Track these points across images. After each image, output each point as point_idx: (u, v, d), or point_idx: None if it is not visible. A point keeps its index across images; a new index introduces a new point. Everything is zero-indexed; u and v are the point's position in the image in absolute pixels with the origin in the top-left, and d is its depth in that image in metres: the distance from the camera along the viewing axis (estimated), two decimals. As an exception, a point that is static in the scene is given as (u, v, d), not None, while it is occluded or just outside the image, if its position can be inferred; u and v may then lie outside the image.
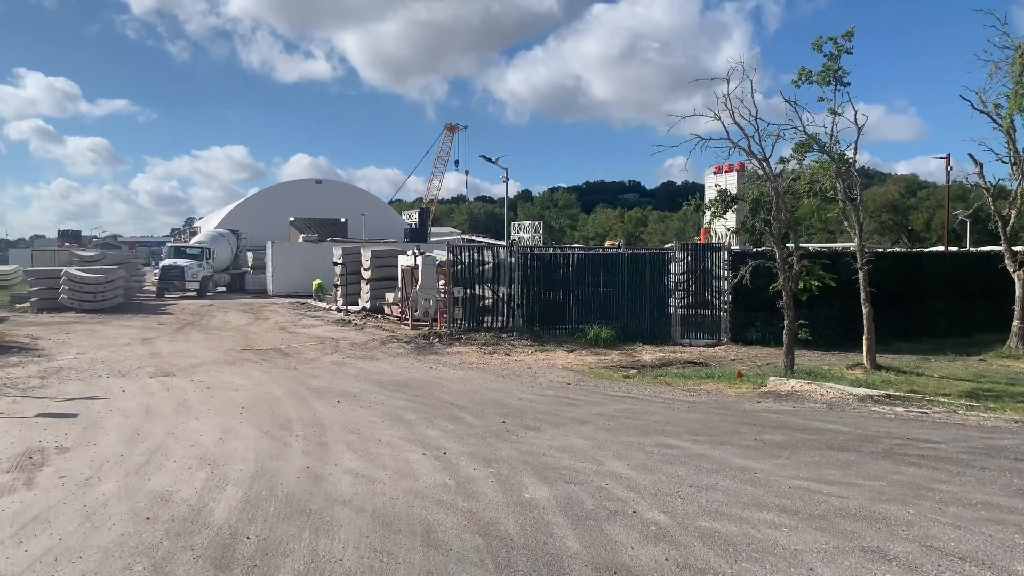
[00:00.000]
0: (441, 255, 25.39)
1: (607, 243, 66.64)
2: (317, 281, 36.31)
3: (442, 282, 24.70)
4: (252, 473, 8.59)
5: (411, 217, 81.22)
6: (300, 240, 54.64)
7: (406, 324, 26.05)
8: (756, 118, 16.86)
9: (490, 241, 54.98)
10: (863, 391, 13.53)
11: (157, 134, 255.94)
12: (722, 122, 16.91)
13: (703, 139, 17.15)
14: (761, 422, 11.25)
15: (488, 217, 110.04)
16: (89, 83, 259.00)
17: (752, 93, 16.80)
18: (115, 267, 32.78)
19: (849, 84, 18.16)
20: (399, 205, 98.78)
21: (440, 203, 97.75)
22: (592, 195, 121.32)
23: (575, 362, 19.00)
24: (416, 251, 25.99)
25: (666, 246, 24.18)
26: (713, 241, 31.32)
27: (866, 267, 18.10)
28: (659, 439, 10.12)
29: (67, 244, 45.53)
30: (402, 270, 27.19)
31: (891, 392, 13.81)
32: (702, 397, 13.58)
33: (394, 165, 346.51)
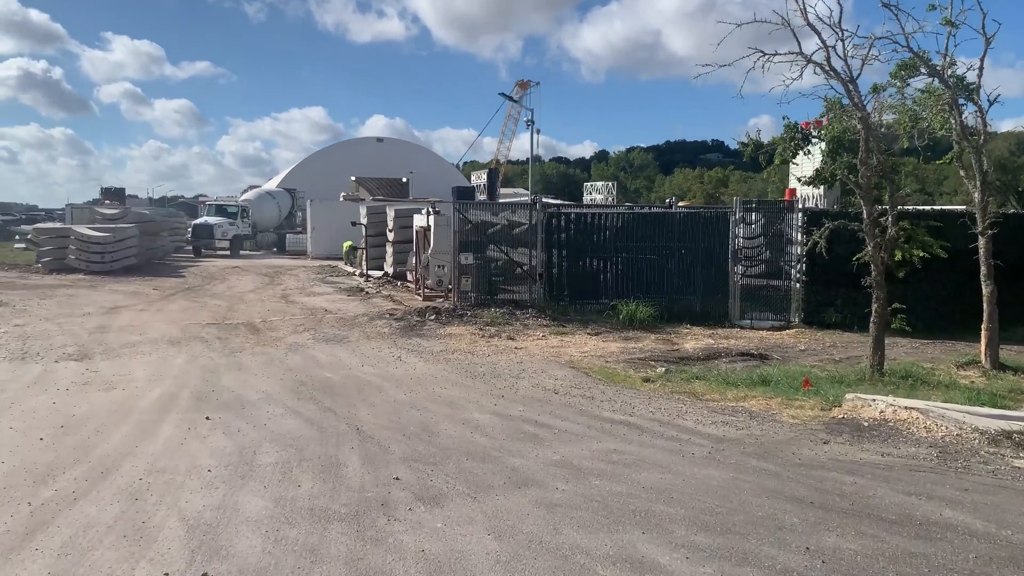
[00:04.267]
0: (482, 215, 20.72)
1: (680, 204, 60.85)
2: (348, 243, 32.35)
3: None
4: None
5: (480, 178, 76.75)
6: (368, 199, 50.99)
7: (420, 294, 21.79)
8: (839, 24, 11.62)
9: (516, 199, 50.12)
10: (993, 423, 8.41)
11: (238, 96, 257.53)
12: (791, 29, 11.77)
13: (765, 54, 12.02)
14: (824, 496, 6.38)
15: (562, 178, 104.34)
16: (172, 46, 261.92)
17: (836, -13, 11.54)
18: (128, 226, 29.48)
19: (972, -17, 12.72)
20: (472, 166, 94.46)
21: (512, 163, 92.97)
22: (672, 155, 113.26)
23: (592, 351, 14.29)
24: (431, 209, 21.46)
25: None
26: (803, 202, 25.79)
27: (989, 231, 12.77)
28: (631, 541, 5.45)
29: (107, 202, 43.20)
30: (416, 232, 22.80)
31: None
32: (739, 426, 8.70)
33: (469, 126, 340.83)
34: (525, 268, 19.03)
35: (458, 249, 18.72)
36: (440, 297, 20.94)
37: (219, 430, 8.38)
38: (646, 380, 11.56)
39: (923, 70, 13.02)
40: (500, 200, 35.10)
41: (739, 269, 18.38)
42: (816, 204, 34.46)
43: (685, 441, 7.98)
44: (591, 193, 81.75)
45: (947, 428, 8.33)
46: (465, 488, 6.49)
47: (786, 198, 28.22)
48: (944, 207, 21.20)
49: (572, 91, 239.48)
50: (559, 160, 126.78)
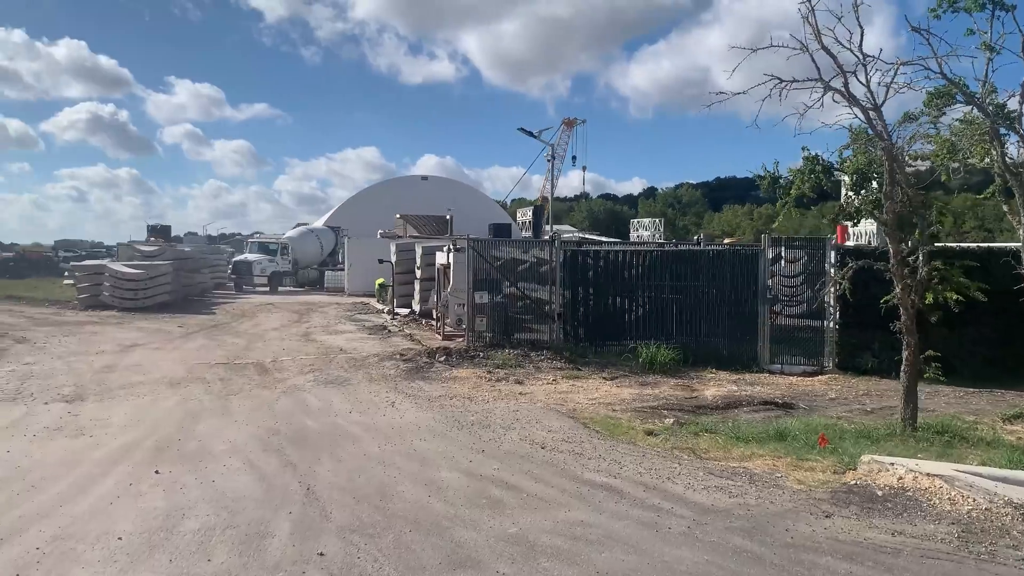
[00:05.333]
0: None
1: (727, 240, 59.39)
2: (380, 280, 31.90)
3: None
4: None
5: (525, 215, 76.23)
6: (403, 237, 50.90)
7: (440, 333, 21.07)
8: (859, 48, 10.61)
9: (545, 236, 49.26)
10: (1033, 494, 7.20)
11: (294, 136, 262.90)
12: (808, 52, 10.81)
13: (781, 81, 11.07)
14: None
15: (609, 214, 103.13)
16: (232, 88, 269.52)
17: (856, 6, 10.55)
18: (162, 263, 29.50)
19: (1014, 7, 11.60)
20: (520, 203, 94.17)
21: (560, 201, 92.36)
22: (722, 191, 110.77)
23: (601, 398, 13.30)
24: (452, 246, 20.79)
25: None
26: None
27: (1036, 271, 11.47)
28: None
29: (152, 239, 43.75)
30: (437, 269, 22.15)
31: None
32: (734, 492, 7.63)
33: (518, 163, 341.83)
34: (545, 308, 18.15)
35: (472, 287, 17.95)
36: (460, 336, 20.13)
37: (161, 487, 7.67)
38: (649, 433, 10.54)
39: (959, 98, 11.89)
40: (550, 238, 34.35)
41: (768, 310, 17.21)
42: (869, 241, 32.79)
43: (666, 512, 6.97)
44: (637, 230, 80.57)
45: (975, 500, 7.15)
46: (392, 570, 5.62)
47: (838, 238, 26.60)
48: (990, 244, 19.68)
49: (620, 128, 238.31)
50: (607, 197, 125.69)
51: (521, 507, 7.07)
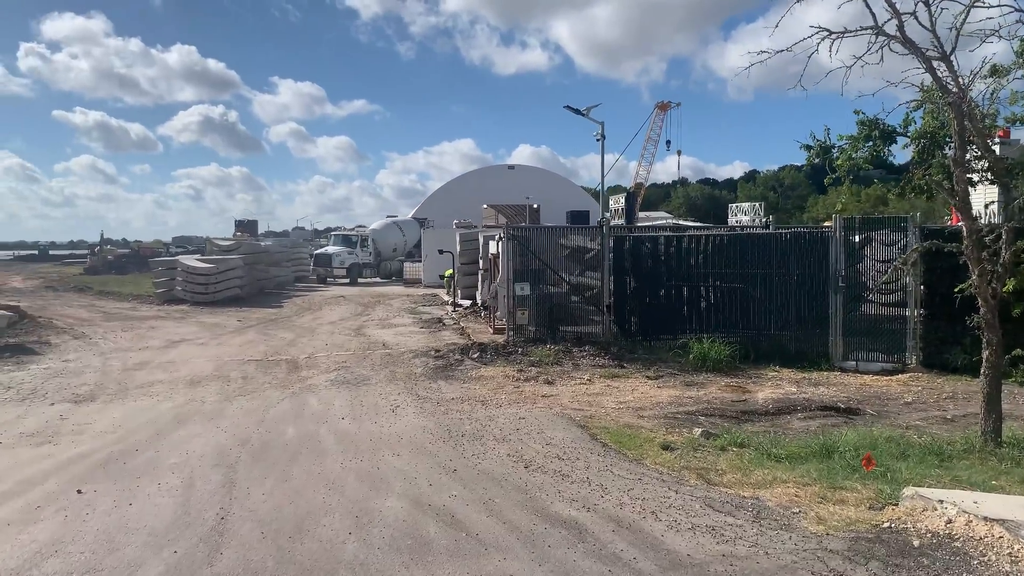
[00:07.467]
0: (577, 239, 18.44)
1: (825, 224, 55.46)
2: (448, 271, 30.96)
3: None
4: None
5: (618, 202, 74.13)
6: (491, 227, 50.08)
7: (491, 326, 19.85)
8: (925, -15, 8.58)
9: (648, 222, 46.80)
10: None
11: (393, 131, 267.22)
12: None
13: (830, 33, 9.16)
14: None
15: (707, 199, 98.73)
16: (332, 86, 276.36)
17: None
18: (233, 257, 29.47)
19: None
20: (614, 190, 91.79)
21: (657, 187, 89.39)
22: (828, 173, 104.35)
23: (633, 402, 11.70)
24: (505, 234, 19.44)
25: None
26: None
27: None
28: None
29: (238, 233, 44.36)
30: (489, 259, 20.88)
31: None
32: (728, 535, 5.97)
33: (613, 150, 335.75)
34: (594, 299, 16.58)
35: (512, 278, 16.58)
36: (512, 330, 18.87)
37: (65, 512, 6.72)
38: (665, 447, 8.92)
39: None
40: (598, 224, 32.53)
41: (841, 299, 15.09)
42: (989, 221, 29.12)
43: (622, 565, 5.44)
44: (736, 215, 76.76)
45: (1047, 558, 5.29)
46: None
47: (952, 220, 23.41)
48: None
49: (719, 111, 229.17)
50: (705, 182, 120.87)
51: (448, 553, 5.70)
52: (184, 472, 7.95)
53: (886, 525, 6.07)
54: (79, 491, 7.32)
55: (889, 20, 8.65)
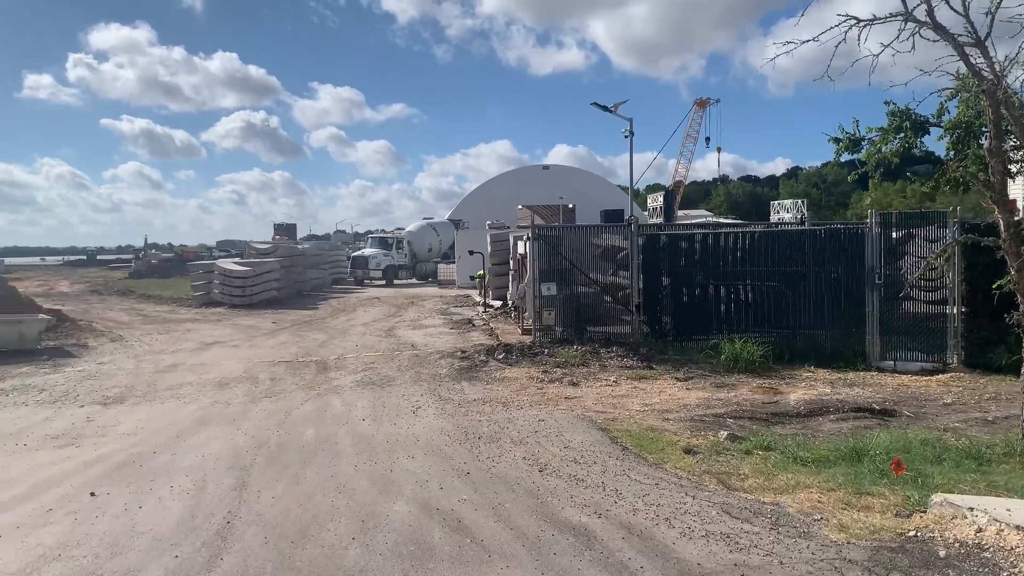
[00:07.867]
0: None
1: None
2: (480, 272, 30.88)
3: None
4: None
5: (656, 200, 73.38)
6: (525, 227, 49.95)
7: (520, 327, 19.67)
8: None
9: (687, 220, 46.10)
10: None
11: (431, 134, 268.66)
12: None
13: (858, 21, 8.82)
14: None
15: (749, 197, 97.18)
16: (370, 90, 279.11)
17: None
18: (269, 260, 29.74)
19: None
20: (652, 189, 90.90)
21: (695, 184, 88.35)
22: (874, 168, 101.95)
23: (660, 404, 11.43)
24: (531, 234, 19.25)
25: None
26: None
27: None
28: None
29: (276, 237, 44.82)
30: (518, 259, 20.71)
31: None
32: (742, 543, 5.71)
33: (651, 148, 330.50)
34: (623, 299, 16.30)
35: (538, 278, 16.39)
36: (540, 331, 18.67)
37: (74, 515, 6.71)
38: (688, 451, 8.66)
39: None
40: (632, 222, 32.16)
41: (872, 299, 14.60)
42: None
43: (631, 574, 5.22)
44: (778, 212, 75.46)
45: (1086, 572, 4.93)
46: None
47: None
48: None
49: (760, 108, 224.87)
50: (747, 179, 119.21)
51: (451, 560, 5.54)
52: (198, 475, 7.92)
53: (912, 534, 5.75)
54: (92, 494, 7.32)
55: (919, 5, 8.30)
